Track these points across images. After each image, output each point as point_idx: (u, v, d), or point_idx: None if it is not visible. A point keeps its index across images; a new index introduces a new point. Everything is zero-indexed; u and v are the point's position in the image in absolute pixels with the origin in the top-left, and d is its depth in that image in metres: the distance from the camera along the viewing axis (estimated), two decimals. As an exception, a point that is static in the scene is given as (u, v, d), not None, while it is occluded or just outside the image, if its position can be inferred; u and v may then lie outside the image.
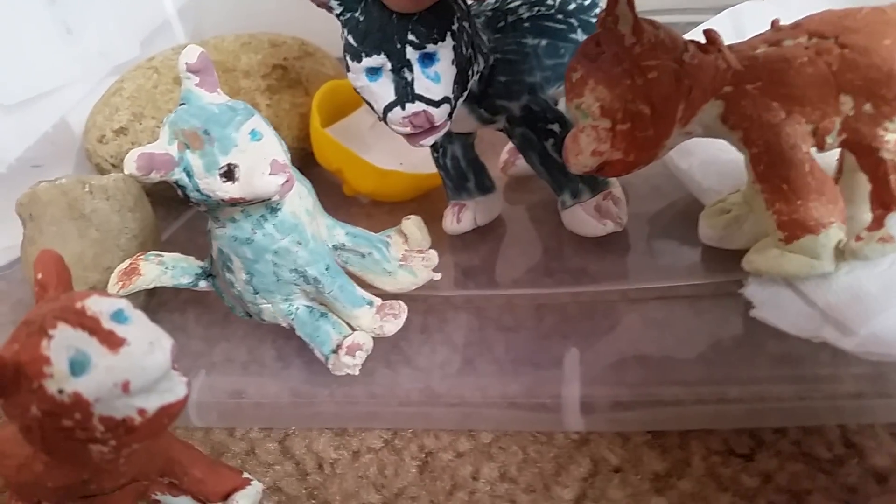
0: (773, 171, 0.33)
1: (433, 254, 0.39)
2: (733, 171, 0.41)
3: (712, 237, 0.40)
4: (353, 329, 0.37)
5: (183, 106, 0.32)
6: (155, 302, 0.45)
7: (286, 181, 0.32)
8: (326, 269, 0.36)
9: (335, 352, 0.36)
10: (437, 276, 0.39)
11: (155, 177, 0.31)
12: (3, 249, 0.53)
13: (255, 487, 0.33)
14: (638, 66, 0.31)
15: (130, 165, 0.28)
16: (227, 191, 0.32)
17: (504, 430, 0.36)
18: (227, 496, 0.32)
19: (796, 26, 0.34)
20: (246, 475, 0.34)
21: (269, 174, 0.31)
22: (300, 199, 0.35)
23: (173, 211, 0.54)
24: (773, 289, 0.36)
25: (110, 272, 0.40)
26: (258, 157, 0.32)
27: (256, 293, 0.36)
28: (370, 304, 0.37)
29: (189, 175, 0.32)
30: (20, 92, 0.54)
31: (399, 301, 0.38)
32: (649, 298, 0.39)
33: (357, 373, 0.36)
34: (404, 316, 0.37)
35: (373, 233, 0.39)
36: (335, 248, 0.38)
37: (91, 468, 0.27)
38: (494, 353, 0.38)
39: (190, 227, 0.53)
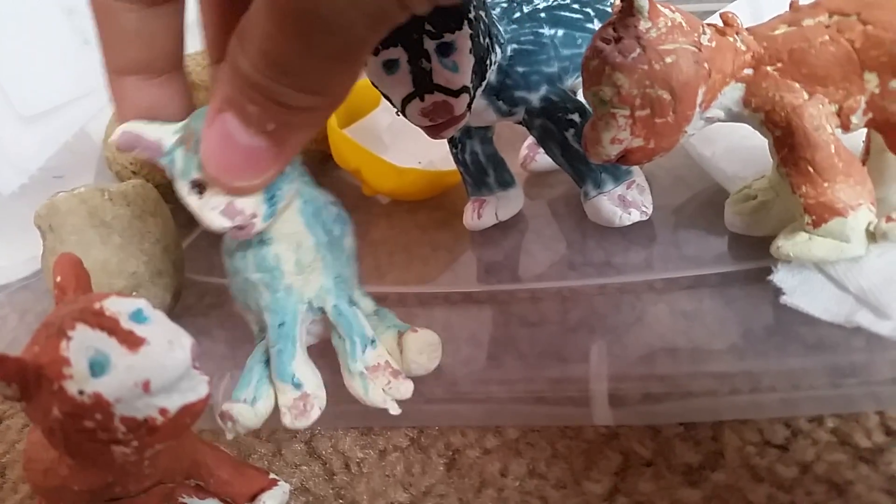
0: (798, 153, 0.33)
1: (407, 388, 0.33)
2: (757, 157, 0.40)
3: (739, 224, 0.39)
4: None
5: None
6: (180, 306, 0.45)
7: (236, 227, 0.29)
8: (280, 325, 0.33)
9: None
10: (393, 411, 0.33)
11: (139, 155, 0.30)
12: (27, 260, 0.53)
13: (283, 488, 0.33)
14: (655, 50, 0.31)
15: (114, 137, 0.28)
16: (189, 202, 0.30)
17: (531, 425, 0.35)
18: (254, 497, 0.32)
19: (816, 5, 0.33)
20: (273, 476, 0.33)
21: (219, 211, 0.29)
22: (296, 248, 0.32)
23: (193, 217, 0.54)
24: (803, 274, 0.35)
25: (135, 277, 0.41)
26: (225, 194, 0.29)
27: (235, 300, 0.36)
28: (295, 386, 0.33)
29: (173, 167, 0.30)
30: (40, 103, 0.54)
31: (317, 400, 0.33)
32: (677, 289, 0.39)
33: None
34: (310, 420, 0.33)
35: (378, 317, 0.36)
36: (319, 310, 0.34)
37: (116, 471, 0.27)
38: (520, 348, 0.38)
39: (211, 232, 0.53)
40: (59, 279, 0.28)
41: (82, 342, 0.23)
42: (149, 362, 0.23)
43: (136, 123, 0.28)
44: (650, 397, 0.34)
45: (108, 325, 0.24)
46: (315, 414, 0.33)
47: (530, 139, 0.51)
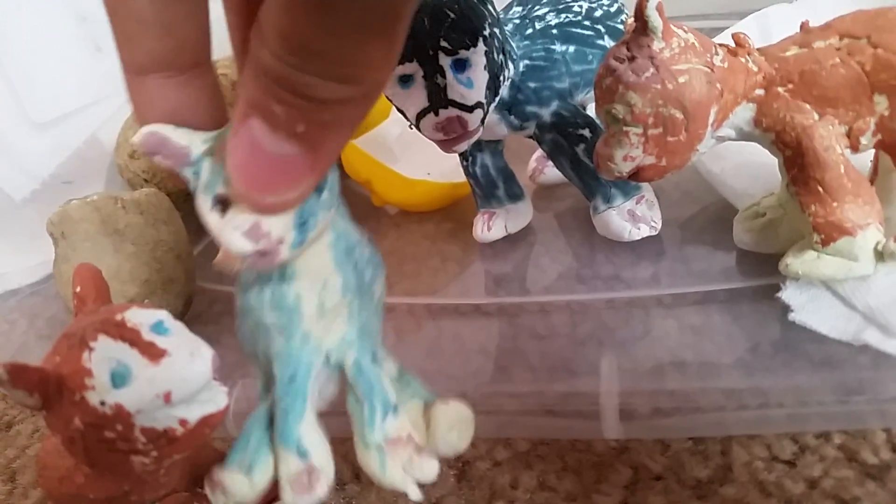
0: (808, 173, 0.33)
1: (431, 468, 0.28)
2: (766, 174, 0.40)
3: (748, 241, 0.39)
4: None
5: None
6: (190, 314, 0.45)
7: (259, 252, 0.24)
8: (290, 379, 0.27)
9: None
10: (414, 496, 0.27)
11: (160, 162, 0.25)
12: (37, 265, 0.53)
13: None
14: (669, 70, 0.31)
15: (137, 138, 0.24)
16: (209, 221, 0.25)
17: (541, 438, 0.36)
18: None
19: (827, 27, 0.33)
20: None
21: (242, 232, 0.24)
22: (321, 288, 0.27)
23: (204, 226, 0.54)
24: (811, 292, 0.35)
25: (148, 285, 0.41)
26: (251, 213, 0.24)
27: (242, 347, 0.30)
28: (300, 454, 0.27)
29: (196, 179, 0.25)
30: (51, 109, 0.55)
31: (324, 475, 0.27)
32: (685, 304, 0.39)
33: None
34: (314, 497, 0.27)
35: (401, 383, 0.30)
36: (337, 366, 0.28)
37: (132, 480, 0.27)
38: (529, 361, 0.38)
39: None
40: (78, 289, 0.29)
41: (104, 353, 0.24)
42: (170, 374, 0.24)
43: (164, 127, 0.24)
44: (660, 411, 0.34)
45: (130, 337, 0.24)
46: (321, 491, 0.27)
47: (539, 152, 0.51)
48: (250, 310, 0.27)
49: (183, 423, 0.24)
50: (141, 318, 0.24)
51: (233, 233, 0.24)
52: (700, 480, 0.32)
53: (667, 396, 0.34)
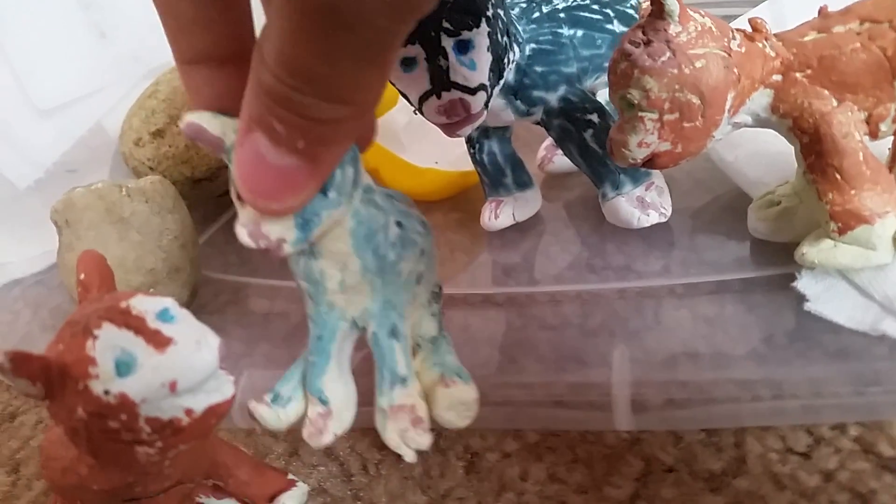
0: (826, 160, 0.33)
1: (424, 440, 0.31)
2: (780, 162, 0.40)
3: (762, 230, 0.39)
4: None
5: None
6: (196, 304, 0.45)
7: (262, 249, 0.27)
8: (318, 338, 0.32)
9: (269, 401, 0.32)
10: (407, 458, 0.31)
11: (204, 148, 0.27)
12: (41, 255, 0.53)
13: (301, 489, 0.33)
14: (685, 54, 0.31)
15: (182, 123, 0.26)
16: (236, 205, 0.27)
17: (551, 429, 0.35)
18: (272, 498, 0.32)
19: (847, 12, 0.33)
20: (291, 477, 0.33)
21: (247, 232, 0.26)
22: (341, 268, 0.30)
23: (209, 214, 0.54)
24: (827, 281, 0.35)
25: (153, 274, 0.40)
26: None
27: None
28: (322, 402, 0.32)
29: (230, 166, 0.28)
30: (55, 97, 0.54)
31: (339, 422, 0.32)
32: (698, 294, 0.38)
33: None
34: (323, 442, 0.31)
35: (433, 349, 0.33)
36: (363, 329, 0.32)
37: (137, 471, 0.27)
38: (539, 352, 0.37)
39: (227, 229, 0.53)
40: (82, 276, 0.28)
41: (108, 341, 0.23)
42: (176, 362, 0.23)
43: (203, 114, 0.27)
44: (672, 403, 0.34)
45: (135, 325, 0.23)
46: (328, 438, 0.31)
47: (548, 140, 0.51)
48: (294, 272, 0.31)
49: (189, 412, 0.24)
50: (146, 305, 0.24)
51: (240, 229, 0.27)
52: (713, 473, 0.32)
53: (679, 387, 0.34)
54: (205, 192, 0.52)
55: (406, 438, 0.31)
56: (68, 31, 0.55)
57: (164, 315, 0.24)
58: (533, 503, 0.32)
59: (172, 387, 0.23)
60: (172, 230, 0.42)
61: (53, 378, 0.23)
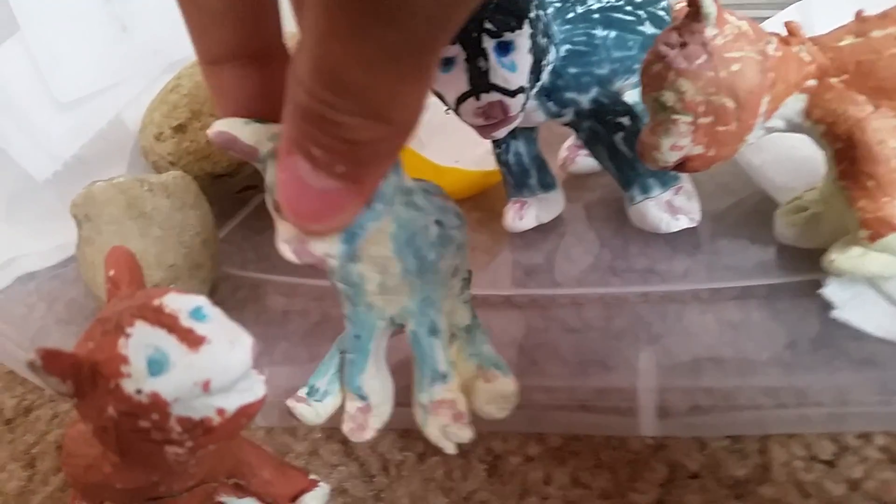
0: (859, 167, 0.32)
1: (465, 434, 0.31)
2: (807, 167, 0.40)
3: (789, 236, 0.38)
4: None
5: None
6: (214, 301, 0.44)
7: (308, 265, 0.28)
8: (355, 337, 0.31)
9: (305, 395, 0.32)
10: (448, 450, 0.31)
11: (234, 154, 0.27)
12: (57, 247, 0.53)
13: (323, 489, 0.33)
14: (722, 57, 0.30)
15: (211, 134, 0.26)
16: (273, 216, 0.27)
17: (574, 433, 0.35)
18: (295, 498, 0.32)
19: (885, 16, 0.32)
20: (313, 476, 0.33)
21: (290, 248, 0.27)
22: (382, 271, 0.29)
23: (228, 209, 0.54)
24: (855, 289, 0.35)
25: (174, 269, 0.40)
26: None
27: None
28: (362, 398, 0.32)
29: (265, 176, 0.28)
30: (76, 90, 0.54)
31: (378, 416, 0.32)
32: (723, 299, 0.38)
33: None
34: (365, 437, 0.32)
35: (468, 339, 0.32)
36: (402, 325, 0.31)
37: (162, 470, 0.27)
38: (562, 355, 0.37)
39: (246, 225, 0.53)
40: (112, 273, 0.28)
41: (141, 339, 0.23)
42: (210, 362, 0.23)
43: (234, 122, 0.26)
44: (697, 409, 0.33)
45: (168, 323, 0.23)
46: (370, 434, 0.32)
47: (570, 140, 0.50)
48: (330, 272, 0.29)
49: (220, 412, 0.23)
50: (179, 303, 0.24)
51: (283, 245, 0.27)
52: (738, 480, 0.32)
53: (704, 393, 0.34)
54: (224, 188, 0.52)
55: (447, 433, 0.31)
56: (89, 23, 0.55)
57: (197, 313, 0.23)
58: (557, 507, 0.32)
59: (206, 386, 0.23)
60: (194, 226, 0.42)
61: (84, 376, 0.23)
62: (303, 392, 0.32)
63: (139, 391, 0.22)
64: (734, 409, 0.33)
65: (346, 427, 0.32)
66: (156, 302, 0.23)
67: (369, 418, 0.32)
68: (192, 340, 0.23)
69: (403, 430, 0.37)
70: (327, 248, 0.27)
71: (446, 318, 0.32)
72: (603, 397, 0.35)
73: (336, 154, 0.21)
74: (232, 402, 0.24)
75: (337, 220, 0.24)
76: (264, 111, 0.25)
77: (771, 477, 0.32)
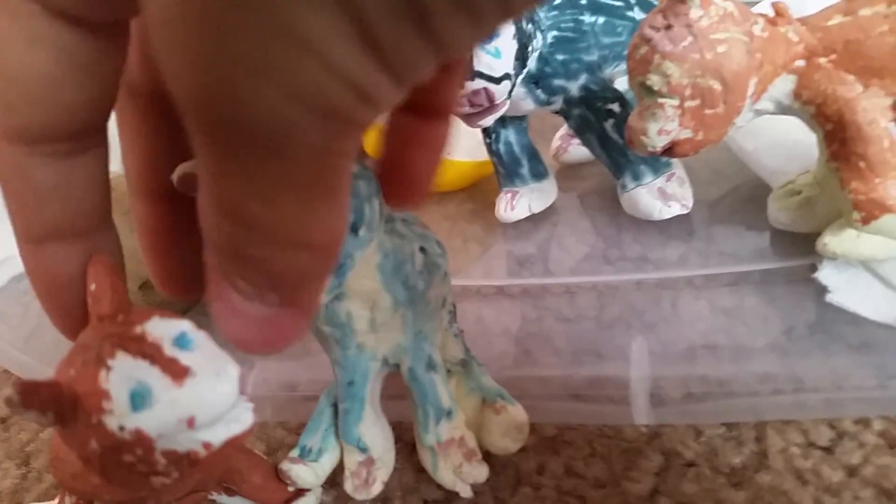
0: (850, 148, 0.32)
1: (481, 472, 0.30)
2: (800, 151, 0.39)
3: (783, 220, 0.38)
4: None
5: None
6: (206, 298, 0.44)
7: None
8: (349, 384, 0.30)
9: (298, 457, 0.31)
10: (464, 494, 0.30)
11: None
12: (52, 247, 0.52)
13: (315, 493, 0.32)
14: (707, 39, 0.30)
15: (177, 175, 0.24)
16: None
17: (568, 423, 0.35)
18: (287, 502, 0.32)
19: (873, -6, 0.32)
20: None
21: None
22: (371, 307, 0.28)
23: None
24: (849, 272, 0.34)
25: (162, 265, 0.40)
26: None
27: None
28: (360, 450, 0.31)
29: None
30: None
31: (382, 469, 0.31)
32: (717, 285, 0.38)
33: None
34: (372, 493, 0.31)
35: (463, 373, 0.32)
36: (396, 366, 0.31)
37: (148, 489, 0.26)
38: (555, 344, 0.37)
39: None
40: (93, 288, 0.27)
41: (123, 372, 0.22)
42: (194, 397, 0.21)
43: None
44: (692, 396, 0.33)
45: (151, 353, 0.22)
46: (377, 488, 0.30)
47: (562, 130, 0.50)
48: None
49: (207, 446, 0.22)
50: (162, 329, 0.22)
51: None
52: (734, 467, 0.31)
53: (699, 381, 0.34)
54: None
55: (462, 474, 0.30)
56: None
57: (181, 340, 0.22)
58: (550, 497, 0.32)
59: (190, 423, 0.22)
60: (183, 221, 0.41)
61: (65, 406, 0.22)
62: (295, 453, 0.31)
63: (122, 428, 0.21)
64: (729, 395, 0.33)
65: (350, 485, 0.30)
66: (138, 330, 0.22)
67: (374, 471, 0.30)
68: (175, 372, 0.22)
69: (395, 422, 0.36)
70: None
71: (440, 352, 0.31)
72: (597, 386, 0.34)
73: (262, 285, 0.19)
74: (218, 435, 0.22)
75: (283, 343, 0.22)
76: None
77: (768, 464, 0.31)
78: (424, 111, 0.23)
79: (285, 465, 0.31)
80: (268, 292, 0.19)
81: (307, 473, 0.30)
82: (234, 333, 0.21)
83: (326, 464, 0.31)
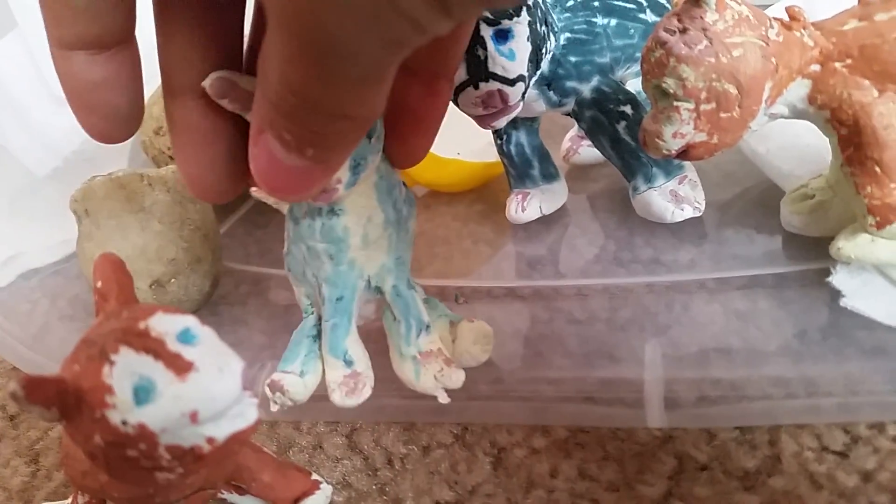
0: (865, 153, 0.32)
1: (458, 377, 0.32)
2: (812, 155, 0.39)
3: (796, 224, 0.38)
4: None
5: None
6: (217, 295, 0.44)
7: (322, 190, 0.28)
8: (338, 299, 0.32)
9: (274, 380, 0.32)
10: (443, 399, 0.32)
11: (228, 105, 0.26)
12: (59, 244, 0.52)
13: (325, 491, 0.32)
14: (723, 43, 0.30)
15: (207, 81, 0.25)
16: None
17: (580, 425, 0.35)
18: (296, 501, 0.32)
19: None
20: (315, 477, 0.33)
21: None
22: (366, 222, 0.31)
23: (229, 204, 0.53)
24: (863, 277, 0.34)
25: (174, 264, 0.40)
26: None
27: (289, 270, 0.34)
28: (346, 363, 0.32)
29: None
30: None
31: (368, 380, 0.32)
32: (729, 288, 0.38)
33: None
34: (361, 398, 0.32)
35: (429, 305, 0.34)
36: (377, 289, 0.33)
37: (155, 486, 0.26)
38: (567, 346, 0.37)
39: (248, 220, 0.52)
40: (99, 284, 0.27)
41: (126, 367, 0.21)
42: (197, 392, 0.21)
43: (232, 72, 0.26)
44: (705, 400, 0.33)
45: (154, 348, 0.22)
46: (366, 393, 0.32)
47: (573, 131, 0.50)
48: (302, 238, 0.31)
49: (210, 441, 0.22)
50: (166, 325, 0.22)
51: None
52: (747, 471, 0.31)
53: (712, 384, 0.33)
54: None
55: (441, 380, 0.32)
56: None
57: (184, 336, 0.22)
58: (563, 500, 0.32)
59: (193, 417, 0.21)
60: (194, 220, 0.41)
61: (69, 402, 0.22)
62: (277, 376, 0.32)
63: (125, 422, 0.21)
64: (743, 399, 0.33)
65: (338, 395, 0.32)
66: (141, 325, 0.22)
67: (360, 382, 0.32)
68: (179, 367, 0.21)
69: (408, 424, 0.36)
70: (341, 172, 0.28)
71: None
72: (609, 389, 0.34)
73: (305, 139, 0.23)
74: (222, 430, 0.22)
75: (307, 193, 0.26)
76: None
77: (781, 468, 0.31)
78: (428, 73, 0.27)
79: (276, 376, 0.32)
80: (307, 147, 0.23)
81: (297, 384, 0.32)
82: (266, 176, 0.24)
83: (311, 382, 0.32)
